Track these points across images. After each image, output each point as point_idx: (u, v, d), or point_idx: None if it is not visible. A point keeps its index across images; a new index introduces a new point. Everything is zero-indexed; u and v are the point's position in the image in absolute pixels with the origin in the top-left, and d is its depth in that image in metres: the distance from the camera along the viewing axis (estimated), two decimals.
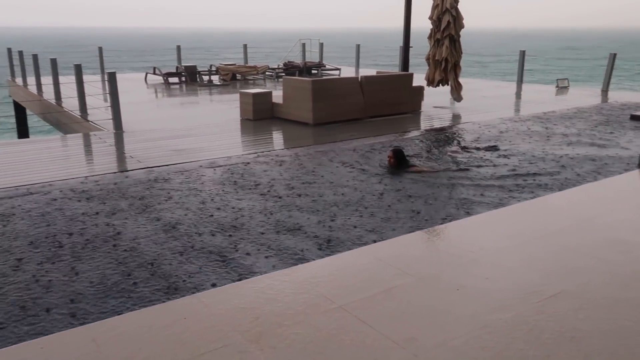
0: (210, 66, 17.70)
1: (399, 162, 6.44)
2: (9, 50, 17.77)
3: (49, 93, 12.91)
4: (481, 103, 12.54)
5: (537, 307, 3.15)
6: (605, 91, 14.60)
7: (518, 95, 14.30)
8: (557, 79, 16.07)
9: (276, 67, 18.67)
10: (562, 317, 3.04)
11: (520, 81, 16.10)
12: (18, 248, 4.23)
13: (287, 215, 4.99)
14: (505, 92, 14.67)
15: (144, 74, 17.83)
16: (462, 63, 12.11)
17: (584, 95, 14.05)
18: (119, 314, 3.22)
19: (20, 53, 16.35)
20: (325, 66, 19.35)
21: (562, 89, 15.48)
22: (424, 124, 10.05)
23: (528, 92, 14.66)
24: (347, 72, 19.02)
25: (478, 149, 7.35)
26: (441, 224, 4.75)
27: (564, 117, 10.65)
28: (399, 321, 3.00)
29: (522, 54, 15.84)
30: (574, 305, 3.18)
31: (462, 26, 11.67)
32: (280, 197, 5.50)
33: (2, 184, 5.91)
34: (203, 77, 17.00)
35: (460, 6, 11.59)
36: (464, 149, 7.40)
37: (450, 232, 4.54)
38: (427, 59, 12.13)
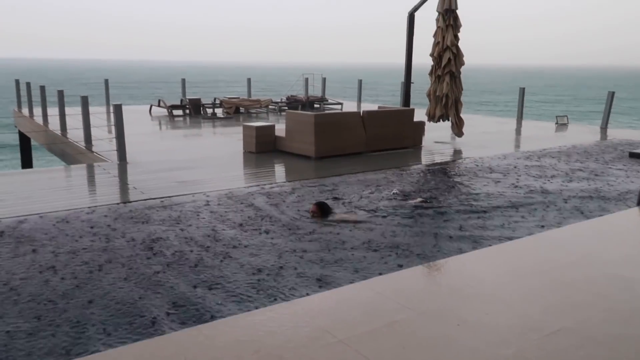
0: (214, 99, 17.96)
1: (322, 213, 6.12)
2: (17, 82, 18.08)
3: (54, 124, 13.08)
4: (482, 139, 12.68)
5: (537, 344, 3.15)
6: (604, 128, 14.77)
7: (518, 131, 14.46)
8: (557, 116, 16.27)
9: (279, 100, 18.94)
10: (562, 354, 3.04)
11: (520, 117, 16.29)
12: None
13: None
14: (506, 128, 14.84)
15: (148, 106, 18.09)
16: (463, 99, 12.30)
17: (583, 132, 14.21)
18: (123, 344, 3.22)
19: (28, 85, 16.63)
20: (327, 100, 19.63)
21: (561, 125, 15.65)
22: (425, 159, 10.15)
23: (528, 129, 14.83)
24: (349, 106, 19.27)
25: (406, 199, 6.86)
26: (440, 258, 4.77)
27: (562, 153, 10.75)
28: (400, 355, 3.00)
29: (522, 91, 16.08)
30: (575, 342, 3.18)
31: (462, 63, 11.90)
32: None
33: (3, 214, 5.96)
34: (207, 109, 17.24)
35: (461, 44, 11.85)
36: (396, 198, 6.93)
37: (451, 266, 4.56)
38: (428, 95, 12.32)
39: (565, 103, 51.67)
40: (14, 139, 18.63)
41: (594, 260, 4.61)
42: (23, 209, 6.18)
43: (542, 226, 5.79)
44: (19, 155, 17.68)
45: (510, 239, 5.32)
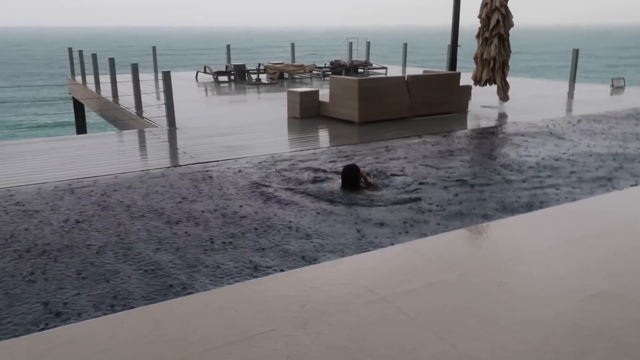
0: (259, 65, 18.07)
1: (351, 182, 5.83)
2: (70, 50, 18.67)
3: (106, 91, 13.53)
4: (531, 103, 12.34)
5: (576, 306, 3.19)
6: None
7: (570, 95, 13.98)
8: (612, 79, 15.59)
9: (323, 65, 18.88)
10: (601, 316, 3.08)
11: (572, 81, 15.71)
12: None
13: None
14: (557, 92, 14.36)
15: (194, 73, 18.39)
16: (512, 62, 11.96)
17: None
18: (177, 297, 3.46)
19: (80, 52, 17.15)
20: (371, 65, 19.42)
21: (617, 88, 15.01)
22: (471, 124, 10.02)
23: (581, 92, 14.30)
24: (394, 71, 19.02)
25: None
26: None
27: (614, 117, 10.37)
28: (439, 314, 3.12)
29: (576, 52, 15.44)
30: (615, 305, 3.20)
31: (511, 25, 11.54)
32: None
33: (66, 176, 6.33)
34: (252, 75, 17.39)
35: (510, 4, 11.46)
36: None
37: (492, 231, 4.60)
38: (475, 58, 12.04)
39: (629, 66, 49.01)
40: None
41: (638, 228, 4.54)
42: (86, 171, 6.54)
43: (590, 191, 5.70)
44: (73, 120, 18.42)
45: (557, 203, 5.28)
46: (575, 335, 2.88)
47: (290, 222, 4.82)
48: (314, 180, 6.13)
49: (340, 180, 5.93)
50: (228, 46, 20.59)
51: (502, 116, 10.75)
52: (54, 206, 5.26)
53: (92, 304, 3.40)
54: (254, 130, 9.18)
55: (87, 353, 2.74)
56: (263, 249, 4.23)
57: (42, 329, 3.11)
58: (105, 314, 3.25)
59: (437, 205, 5.28)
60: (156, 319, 3.06)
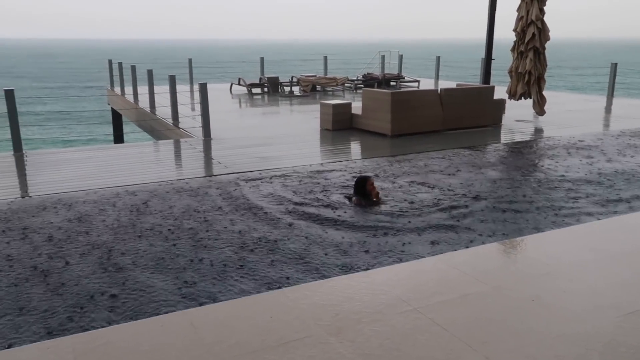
0: (292, 77, 18.30)
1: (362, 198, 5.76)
2: (110, 62, 19.27)
3: (143, 102, 13.91)
4: (566, 117, 12.15)
5: (615, 322, 3.15)
6: None
7: (607, 109, 13.70)
8: None
9: (355, 78, 18.99)
10: None
11: (610, 95, 15.40)
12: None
13: None
14: (594, 107, 14.10)
15: (228, 85, 18.74)
16: (547, 76, 11.83)
17: None
18: (215, 302, 3.55)
19: (120, 65, 17.69)
20: (404, 78, 19.43)
21: None
22: (504, 137, 9.93)
23: (619, 107, 14.00)
24: (426, 84, 19.00)
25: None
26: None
27: None
28: (473, 326, 3.11)
29: (614, 66, 15.16)
30: None
31: (547, 38, 11.42)
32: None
33: (103, 184, 6.54)
34: (284, 87, 17.62)
35: (547, 17, 11.36)
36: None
37: (527, 245, 4.56)
38: (510, 72, 11.95)
39: None
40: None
41: None
42: (121, 180, 6.74)
43: (630, 207, 5.60)
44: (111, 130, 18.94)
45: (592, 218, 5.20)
46: (614, 352, 2.84)
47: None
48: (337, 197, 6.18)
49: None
50: (262, 59, 20.93)
51: (537, 130, 10.62)
52: (102, 210, 5.45)
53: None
54: (286, 142, 9.30)
55: (128, 354, 2.84)
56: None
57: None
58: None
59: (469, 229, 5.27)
60: (194, 323, 3.14)
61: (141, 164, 7.77)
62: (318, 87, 17.68)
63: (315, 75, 18.35)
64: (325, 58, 21.44)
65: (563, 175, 6.99)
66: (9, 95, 8.08)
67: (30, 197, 6.04)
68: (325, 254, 4.41)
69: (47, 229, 4.98)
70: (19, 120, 8.21)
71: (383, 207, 5.62)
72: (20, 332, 3.28)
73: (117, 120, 18.23)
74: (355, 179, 6.04)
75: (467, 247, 4.54)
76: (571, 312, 3.27)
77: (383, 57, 20.83)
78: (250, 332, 3.04)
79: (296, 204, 5.74)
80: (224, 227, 5.03)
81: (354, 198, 5.83)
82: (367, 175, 6.05)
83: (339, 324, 3.13)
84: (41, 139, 22.65)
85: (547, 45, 11.53)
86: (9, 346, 3.11)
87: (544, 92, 11.88)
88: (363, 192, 5.80)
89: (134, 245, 4.60)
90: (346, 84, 18.24)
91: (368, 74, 19.43)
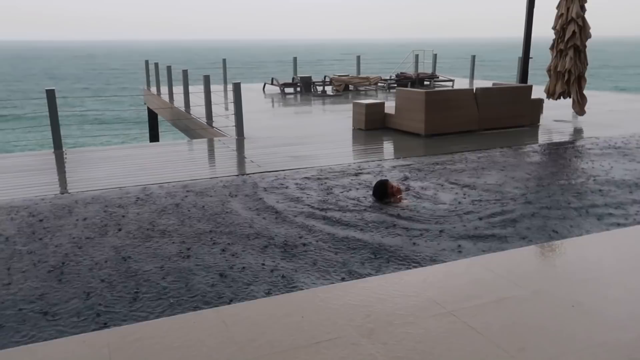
0: (325, 77, 18.28)
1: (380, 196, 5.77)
2: (146, 62, 19.63)
3: (178, 101, 14.11)
4: (608, 117, 11.77)
5: None
6: None
7: None
8: None
9: (388, 78, 18.85)
10: None
11: None
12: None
13: None
14: (637, 107, 13.61)
15: (261, 84, 18.85)
16: (588, 75, 11.48)
17: None
18: (244, 301, 3.55)
19: (156, 65, 18.00)
20: (438, 77, 19.19)
21: None
22: (542, 138, 9.68)
23: None
24: (461, 83, 18.70)
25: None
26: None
27: None
28: (509, 331, 3.02)
29: None
30: None
31: (588, 36, 11.09)
32: None
33: (139, 182, 6.65)
34: (317, 87, 17.61)
35: (588, 14, 11.03)
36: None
37: (566, 249, 4.41)
38: (548, 71, 11.65)
39: None
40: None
41: None
42: (157, 178, 6.84)
43: None
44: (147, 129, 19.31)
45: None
46: None
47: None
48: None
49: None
50: (295, 58, 20.98)
51: (577, 131, 10.31)
52: (139, 205, 5.54)
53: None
54: (319, 141, 9.28)
55: (161, 349, 2.86)
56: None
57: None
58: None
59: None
60: (226, 321, 3.15)
61: (175, 162, 7.87)
62: (351, 87, 17.62)
63: (348, 75, 18.30)
64: (358, 58, 21.34)
65: (599, 177, 6.75)
66: (50, 95, 8.31)
67: (70, 193, 6.19)
68: (358, 257, 4.37)
69: (97, 221, 5.09)
70: (59, 120, 8.44)
71: (419, 209, 5.51)
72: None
73: (153, 119, 18.56)
74: (374, 185, 5.98)
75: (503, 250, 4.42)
76: (614, 319, 3.15)
77: (417, 56, 20.60)
78: (282, 331, 3.03)
79: (325, 203, 5.71)
80: (265, 227, 5.04)
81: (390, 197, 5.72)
82: (384, 179, 5.99)
83: (370, 325, 3.08)
84: (79, 138, 23.27)
85: (588, 43, 11.19)
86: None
87: (585, 92, 11.54)
88: (384, 195, 5.73)
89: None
90: (379, 84, 18.12)
91: (401, 73, 19.25)
